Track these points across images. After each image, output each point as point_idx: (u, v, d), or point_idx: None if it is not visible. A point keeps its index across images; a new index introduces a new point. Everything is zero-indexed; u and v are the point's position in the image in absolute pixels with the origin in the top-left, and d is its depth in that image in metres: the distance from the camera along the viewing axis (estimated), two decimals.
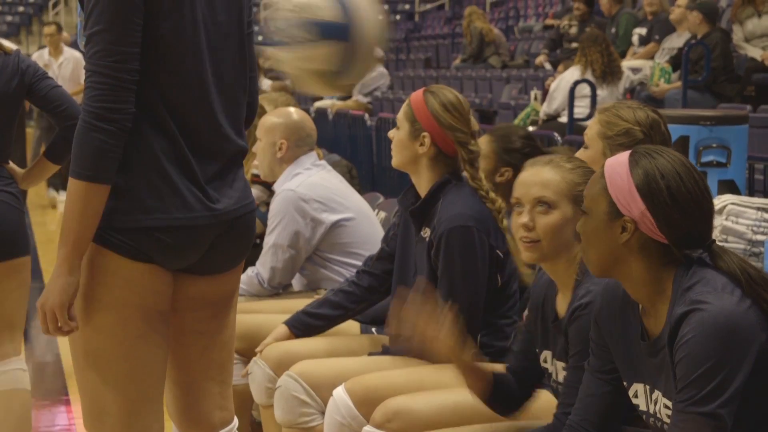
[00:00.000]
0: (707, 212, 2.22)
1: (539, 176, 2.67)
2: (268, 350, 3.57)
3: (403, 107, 3.40)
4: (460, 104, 3.35)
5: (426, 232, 3.34)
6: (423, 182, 3.38)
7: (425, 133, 3.33)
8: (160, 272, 2.46)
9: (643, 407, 2.30)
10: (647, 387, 2.27)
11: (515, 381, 2.82)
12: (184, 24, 2.42)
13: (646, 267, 2.22)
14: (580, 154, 3.01)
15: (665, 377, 2.19)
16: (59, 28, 11.82)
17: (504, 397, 2.79)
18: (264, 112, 4.95)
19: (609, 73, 8.86)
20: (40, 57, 11.28)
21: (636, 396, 2.31)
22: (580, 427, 2.41)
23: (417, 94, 3.38)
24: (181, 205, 2.43)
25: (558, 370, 2.72)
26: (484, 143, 3.63)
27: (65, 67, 11.09)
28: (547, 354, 2.77)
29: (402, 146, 3.38)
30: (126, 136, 2.35)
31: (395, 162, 3.42)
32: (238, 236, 2.57)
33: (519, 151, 3.60)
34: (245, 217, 2.58)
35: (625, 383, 2.34)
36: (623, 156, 2.26)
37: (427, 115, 3.32)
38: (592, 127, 3.01)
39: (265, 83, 11.78)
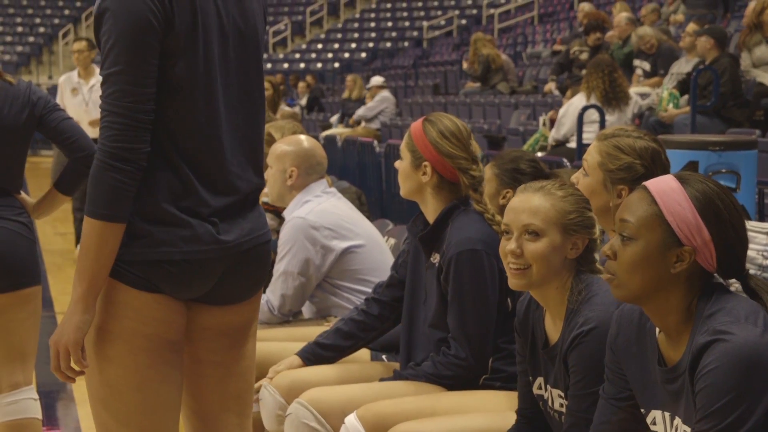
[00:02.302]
0: (745, 235, 2.23)
1: (529, 203, 2.66)
2: (279, 378, 3.57)
3: (405, 137, 3.43)
4: (458, 131, 3.36)
5: (435, 258, 3.35)
6: (430, 210, 3.40)
7: (426, 162, 3.35)
8: (170, 302, 2.46)
9: None
10: (666, 414, 2.25)
11: (528, 430, 2.81)
12: (197, 63, 2.43)
13: (684, 296, 2.19)
14: (580, 180, 3.01)
15: (685, 404, 2.18)
16: (91, 45, 9.89)
17: None
18: (272, 139, 4.96)
19: (613, 98, 8.85)
20: (69, 79, 9.83)
21: (654, 423, 2.29)
22: None
23: (416, 124, 3.40)
24: (189, 238, 2.43)
25: (554, 397, 2.71)
26: (487, 168, 3.65)
27: (97, 91, 9.50)
28: (540, 380, 2.76)
29: (406, 176, 3.41)
30: (141, 174, 2.37)
31: (402, 192, 3.44)
32: (251, 267, 2.57)
33: (524, 173, 3.63)
34: (258, 248, 2.57)
35: (642, 410, 2.32)
36: (671, 182, 2.20)
37: (426, 144, 3.34)
38: (593, 156, 3.01)
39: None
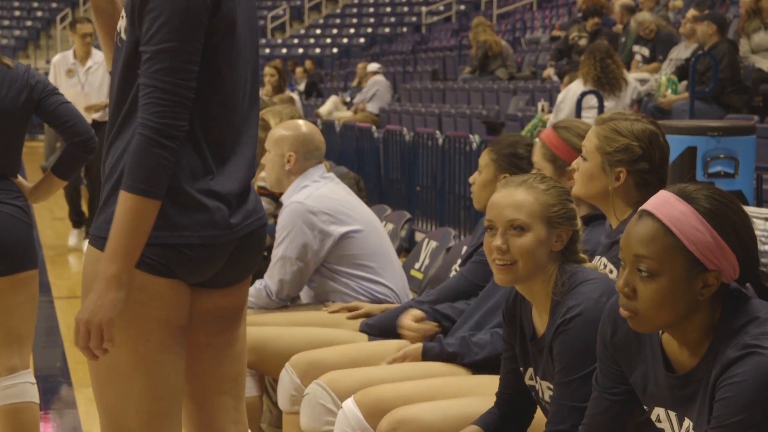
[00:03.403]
0: (755, 236, 2.14)
1: (512, 198, 2.65)
2: (296, 359, 3.60)
3: (536, 151, 3.38)
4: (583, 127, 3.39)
5: None
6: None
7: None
8: (181, 287, 2.46)
9: (668, 431, 2.25)
10: (671, 413, 2.21)
11: (507, 410, 2.82)
12: (232, 44, 2.45)
13: (709, 314, 2.11)
14: (580, 165, 3.01)
15: (698, 410, 2.12)
16: None
17: None
18: (266, 125, 4.97)
19: (606, 83, 8.81)
20: (64, 60, 9.37)
21: (659, 420, 2.26)
22: None
23: (549, 135, 3.36)
24: (206, 222, 2.43)
25: (543, 389, 2.72)
26: (485, 154, 3.67)
27: (94, 73, 9.28)
28: (530, 371, 2.77)
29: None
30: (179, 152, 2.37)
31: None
32: (251, 250, 2.58)
33: (522, 158, 3.65)
34: (259, 231, 2.59)
35: (645, 407, 2.29)
36: (678, 204, 2.09)
37: (569, 150, 3.31)
38: (591, 140, 3.01)
39: None
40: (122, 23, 2.46)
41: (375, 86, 15.40)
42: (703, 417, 2.10)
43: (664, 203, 2.10)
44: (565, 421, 2.54)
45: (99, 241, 2.44)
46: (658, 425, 2.27)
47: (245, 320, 2.72)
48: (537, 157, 3.40)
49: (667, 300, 2.07)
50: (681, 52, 9.55)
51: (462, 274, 3.80)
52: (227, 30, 2.43)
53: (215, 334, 2.62)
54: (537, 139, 3.46)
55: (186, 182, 2.41)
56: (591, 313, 2.51)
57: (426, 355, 3.48)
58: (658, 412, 2.25)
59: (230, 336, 2.65)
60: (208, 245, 2.44)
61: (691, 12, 9.77)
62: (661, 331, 2.21)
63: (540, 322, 2.70)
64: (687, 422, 2.17)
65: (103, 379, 2.50)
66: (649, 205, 2.13)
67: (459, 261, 4.00)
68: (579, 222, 2.72)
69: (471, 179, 3.71)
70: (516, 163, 3.62)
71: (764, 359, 1.98)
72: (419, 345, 3.51)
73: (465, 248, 4.22)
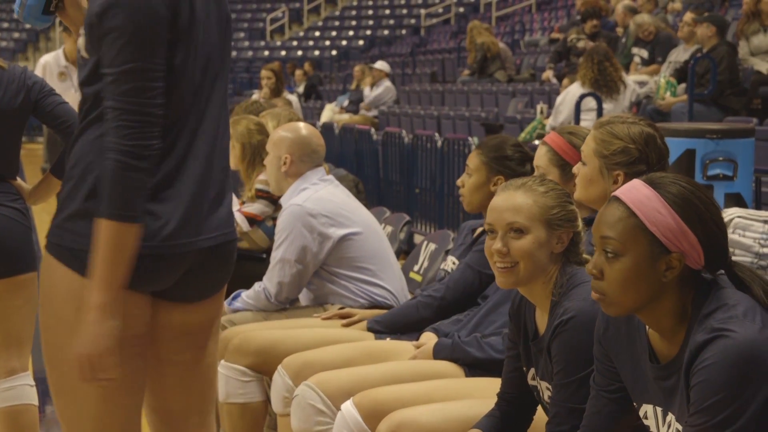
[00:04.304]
0: (725, 227, 2.20)
1: (511, 201, 2.67)
2: (288, 360, 3.60)
3: (543, 155, 3.35)
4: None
5: None
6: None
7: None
8: (131, 295, 2.38)
9: (653, 429, 2.28)
10: (658, 409, 2.25)
11: (508, 411, 2.83)
12: (189, 53, 2.39)
13: (678, 299, 2.17)
14: (580, 170, 3.01)
15: (679, 401, 2.16)
16: None
17: None
18: (262, 128, 4.97)
19: (604, 86, 8.82)
20: (56, 61, 9.19)
21: (646, 417, 2.29)
22: None
23: (557, 140, 3.35)
24: (155, 232, 2.36)
25: (542, 389, 2.73)
26: (474, 156, 3.67)
27: None
28: (532, 371, 2.78)
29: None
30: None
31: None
32: (216, 265, 2.52)
33: (511, 159, 3.65)
34: (225, 246, 2.52)
35: (634, 404, 2.32)
36: (643, 189, 2.17)
37: (576, 155, 3.27)
38: (589, 144, 3.01)
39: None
40: (81, 41, 2.42)
41: (388, 94, 15.30)
42: (683, 406, 2.13)
43: (631, 189, 2.19)
44: (565, 423, 2.55)
45: (53, 248, 2.41)
46: (645, 422, 2.30)
47: (216, 335, 2.67)
48: (543, 161, 3.39)
49: (632, 280, 2.14)
50: (680, 54, 9.56)
51: (465, 263, 3.78)
52: (183, 40, 2.37)
53: (178, 352, 2.57)
54: (540, 143, 3.45)
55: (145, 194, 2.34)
56: (587, 314, 2.52)
57: (438, 350, 3.48)
58: (646, 408, 2.29)
59: (196, 353, 2.60)
60: (164, 255, 2.38)
61: (689, 15, 9.77)
62: (647, 327, 2.25)
63: (542, 322, 2.72)
64: (670, 417, 2.21)
65: (58, 388, 2.47)
66: (618, 191, 2.22)
67: (453, 259, 3.98)
68: (580, 223, 2.73)
69: (459, 182, 3.72)
70: (506, 164, 3.65)
71: (731, 341, 2.04)
72: (430, 346, 3.50)
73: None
